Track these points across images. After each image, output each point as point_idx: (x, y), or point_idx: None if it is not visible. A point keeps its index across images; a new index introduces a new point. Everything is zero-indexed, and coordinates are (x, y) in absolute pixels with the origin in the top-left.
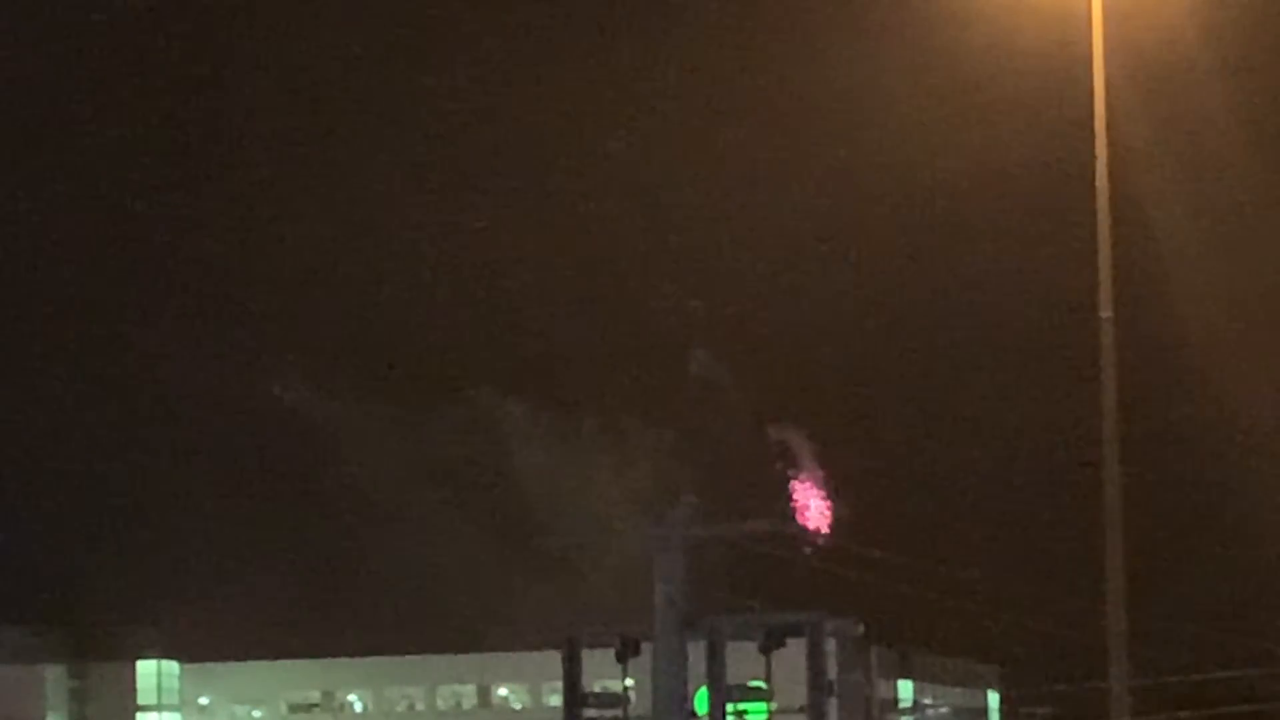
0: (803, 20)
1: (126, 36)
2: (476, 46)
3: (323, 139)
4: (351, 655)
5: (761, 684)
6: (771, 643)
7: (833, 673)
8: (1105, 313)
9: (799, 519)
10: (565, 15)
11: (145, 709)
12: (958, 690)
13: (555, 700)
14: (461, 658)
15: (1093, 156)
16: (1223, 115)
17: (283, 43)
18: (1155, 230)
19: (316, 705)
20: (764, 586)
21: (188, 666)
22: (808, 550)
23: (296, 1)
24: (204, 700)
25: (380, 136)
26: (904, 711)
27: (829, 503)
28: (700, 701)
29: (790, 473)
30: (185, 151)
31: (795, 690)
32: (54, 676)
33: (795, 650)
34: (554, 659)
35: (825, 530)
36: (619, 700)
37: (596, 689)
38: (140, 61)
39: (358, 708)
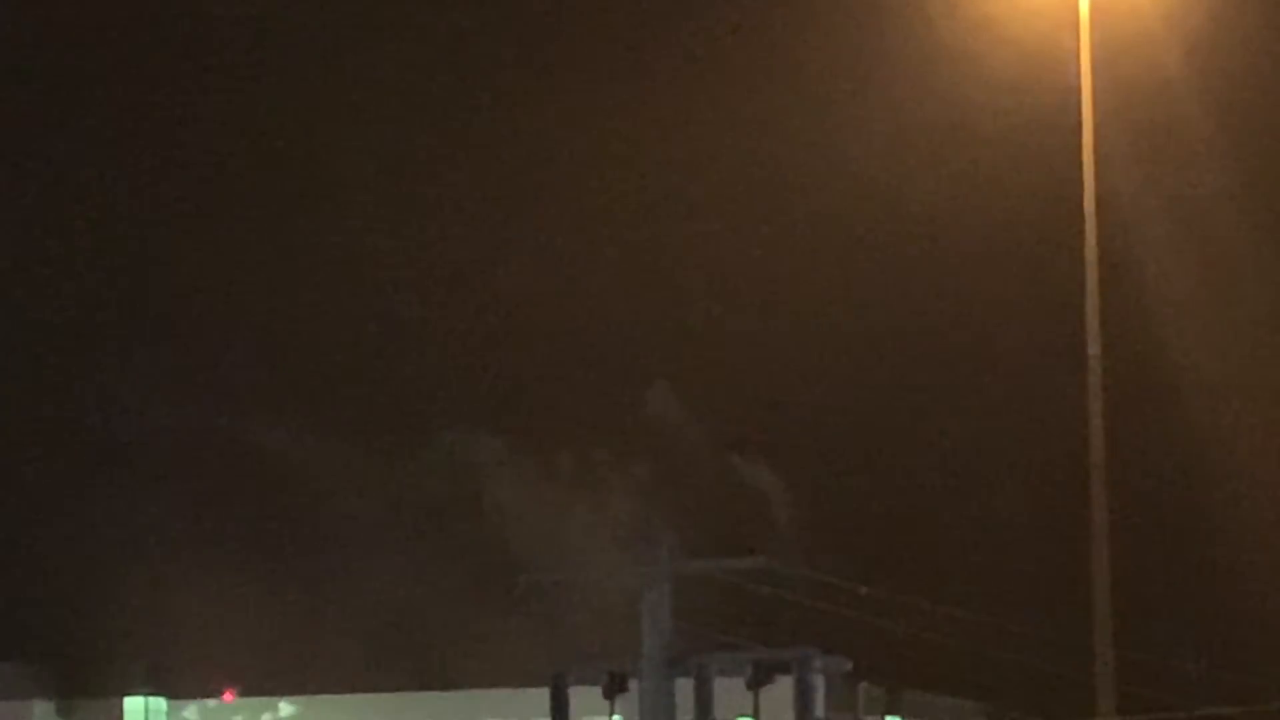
0: (773, 61)
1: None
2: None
3: (297, 179)
4: (336, 692)
5: None
6: (759, 679)
7: (821, 710)
8: (1093, 350)
9: None
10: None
11: None
12: None
13: None
14: (446, 695)
15: (1080, 198)
16: (1212, 153)
17: (262, 91)
18: (1143, 267)
19: None
20: (751, 622)
21: (174, 702)
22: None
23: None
24: None
25: (355, 178)
26: None
27: None
28: None
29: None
30: (154, 190)
31: None
32: (42, 713)
33: (784, 687)
34: (539, 696)
35: None
36: None
37: None
38: (108, 100)
39: None
